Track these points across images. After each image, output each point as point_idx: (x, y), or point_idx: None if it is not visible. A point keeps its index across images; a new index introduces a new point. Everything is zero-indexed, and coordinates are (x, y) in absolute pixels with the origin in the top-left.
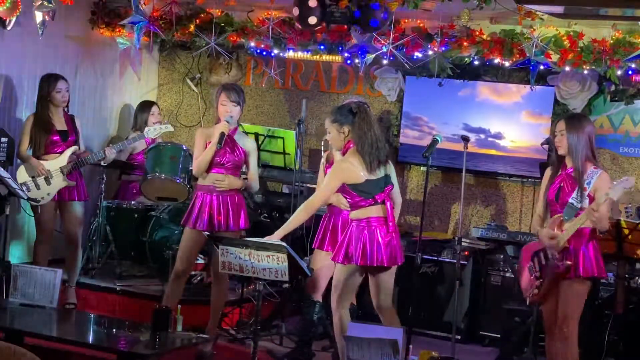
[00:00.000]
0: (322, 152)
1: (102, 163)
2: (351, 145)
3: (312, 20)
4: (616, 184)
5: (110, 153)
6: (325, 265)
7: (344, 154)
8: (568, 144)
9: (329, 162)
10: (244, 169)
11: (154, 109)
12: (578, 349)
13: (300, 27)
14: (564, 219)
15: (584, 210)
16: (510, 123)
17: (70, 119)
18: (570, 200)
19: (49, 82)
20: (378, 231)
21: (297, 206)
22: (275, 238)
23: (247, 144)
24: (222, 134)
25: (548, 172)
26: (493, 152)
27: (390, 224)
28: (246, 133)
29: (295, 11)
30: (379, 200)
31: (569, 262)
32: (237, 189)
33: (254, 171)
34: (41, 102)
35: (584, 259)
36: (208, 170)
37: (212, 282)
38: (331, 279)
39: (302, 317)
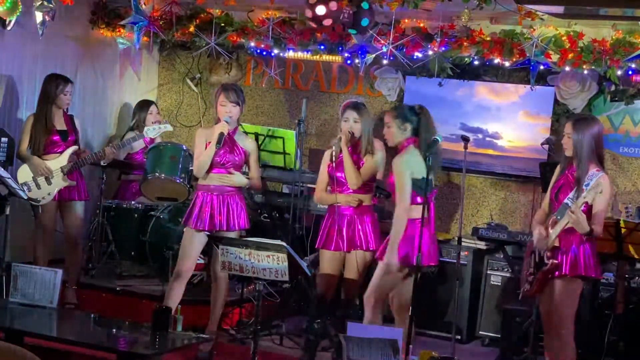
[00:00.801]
0: (333, 149)
1: (101, 162)
2: (406, 144)
3: (327, 22)
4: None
5: (110, 152)
6: (337, 265)
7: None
8: (573, 146)
9: (337, 160)
10: (245, 169)
11: (153, 108)
12: (576, 348)
13: (315, 26)
14: (556, 218)
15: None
16: (509, 123)
17: (69, 119)
18: (565, 200)
19: (57, 83)
20: (425, 231)
21: (297, 206)
22: (394, 257)
23: (247, 143)
24: (221, 134)
25: (557, 169)
26: (490, 151)
27: (432, 224)
28: (246, 133)
29: (321, 10)
30: (429, 200)
31: (555, 261)
32: (239, 187)
33: (255, 171)
34: (44, 102)
35: (572, 257)
36: (209, 170)
37: (212, 282)
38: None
39: (309, 318)
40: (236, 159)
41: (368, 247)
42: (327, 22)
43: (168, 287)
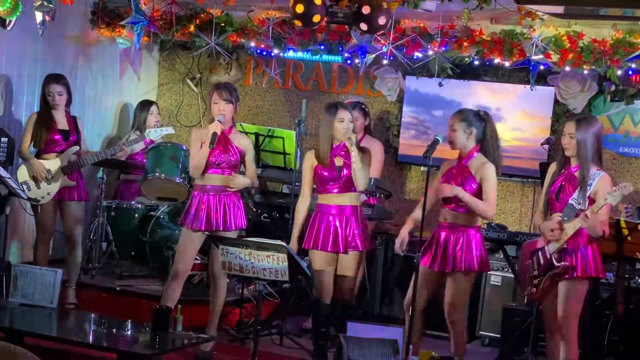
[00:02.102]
0: (317, 151)
1: (108, 157)
2: (475, 152)
3: (316, 18)
4: (615, 189)
5: (124, 149)
6: (329, 264)
7: (466, 158)
8: (577, 147)
9: (326, 162)
10: (242, 168)
11: (153, 108)
12: (578, 349)
13: (301, 25)
14: (562, 219)
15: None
16: (509, 123)
17: (72, 120)
18: (570, 201)
19: (44, 83)
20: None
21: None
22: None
23: (243, 142)
24: (214, 134)
25: (552, 168)
26: None
27: None
28: (246, 133)
29: (299, 8)
30: None
31: (566, 263)
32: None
33: (251, 169)
34: (43, 102)
35: (582, 259)
36: (205, 170)
37: (211, 282)
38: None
39: (316, 321)
40: (231, 158)
41: (357, 247)
42: (316, 18)
43: (165, 287)
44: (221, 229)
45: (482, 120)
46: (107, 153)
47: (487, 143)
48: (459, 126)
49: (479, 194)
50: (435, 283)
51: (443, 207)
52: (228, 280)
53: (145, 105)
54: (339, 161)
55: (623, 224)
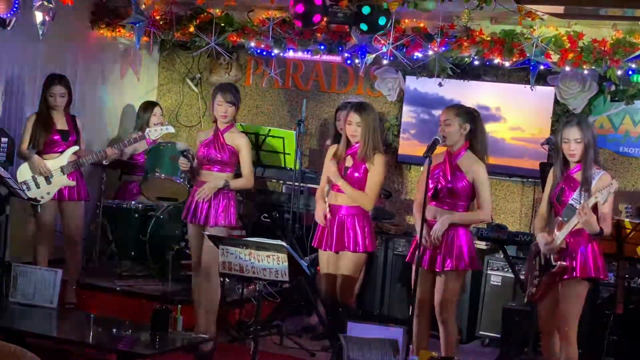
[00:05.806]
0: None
1: (103, 162)
2: (464, 148)
3: (317, 18)
4: (605, 188)
5: (112, 153)
6: (332, 264)
7: (455, 154)
8: (584, 152)
9: (340, 158)
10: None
11: (157, 110)
12: (578, 349)
13: (300, 25)
14: (563, 219)
15: None
16: (509, 123)
17: (72, 119)
18: (570, 201)
19: (47, 83)
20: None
21: (297, 206)
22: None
23: (238, 141)
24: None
25: (552, 173)
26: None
27: None
28: (246, 133)
29: (299, 9)
30: None
31: (564, 263)
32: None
33: (246, 168)
34: (43, 102)
35: (582, 259)
36: (200, 167)
37: (202, 279)
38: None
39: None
40: (224, 157)
41: (356, 249)
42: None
43: (196, 285)
44: (202, 223)
45: (474, 117)
46: (107, 153)
47: (477, 141)
48: (454, 121)
49: (471, 191)
50: (430, 281)
51: (429, 204)
52: (228, 280)
53: (148, 106)
54: (349, 161)
55: (627, 224)
